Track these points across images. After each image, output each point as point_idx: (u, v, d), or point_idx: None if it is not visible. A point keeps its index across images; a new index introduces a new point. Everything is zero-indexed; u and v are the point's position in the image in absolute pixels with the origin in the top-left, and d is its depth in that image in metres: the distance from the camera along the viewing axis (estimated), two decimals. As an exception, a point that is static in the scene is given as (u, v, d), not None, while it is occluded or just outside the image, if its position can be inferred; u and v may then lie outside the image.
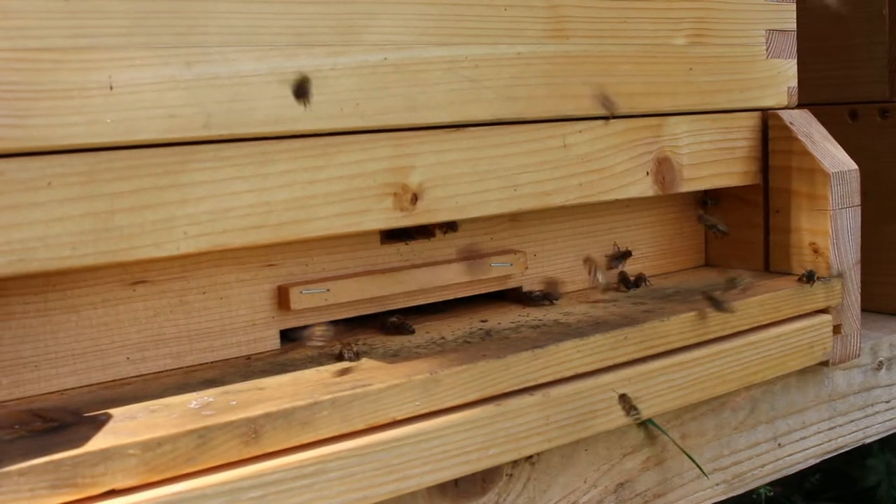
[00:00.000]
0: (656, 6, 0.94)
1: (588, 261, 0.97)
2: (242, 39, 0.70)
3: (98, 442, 0.59)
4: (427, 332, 0.85)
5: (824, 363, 1.01)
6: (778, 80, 1.04)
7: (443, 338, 0.82)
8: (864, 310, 1.05)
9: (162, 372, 0.76)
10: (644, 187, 0.95)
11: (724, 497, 0.99)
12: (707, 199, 1.10)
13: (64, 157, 0.64)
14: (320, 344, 0.79)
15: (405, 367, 0.73)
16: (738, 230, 1.08)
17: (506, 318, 0.89)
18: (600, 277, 0.95)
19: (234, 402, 0.66)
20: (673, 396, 0.86)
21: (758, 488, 1.72)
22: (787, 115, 1.03)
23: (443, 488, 0.77)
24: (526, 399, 0.76)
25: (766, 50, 1.03)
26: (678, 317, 0.87)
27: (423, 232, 0.88)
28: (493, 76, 0.83)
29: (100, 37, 0.65)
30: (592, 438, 0.86)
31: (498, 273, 0.92)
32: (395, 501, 0.71)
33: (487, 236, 0.94)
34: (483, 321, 0.88)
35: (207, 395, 0.69)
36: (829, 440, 1.09)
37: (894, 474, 1.95)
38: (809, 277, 0.96)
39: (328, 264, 0.84)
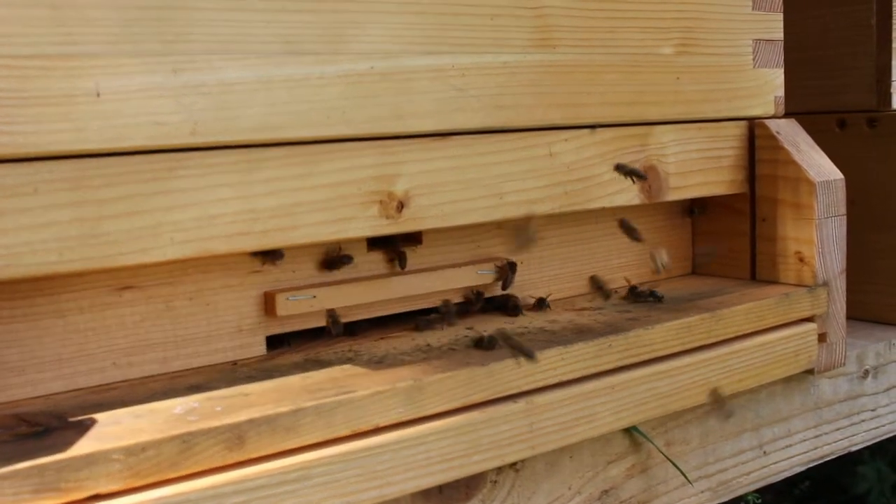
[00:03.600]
0: (644, 16, 0.95)
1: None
2: (229, 47, 0.71)
3: (82, 447, 0.59)
4: (412, 339, 0.85)
5: (809, 371, 1.01)
6: (765, 89, 1.05)
7: (428, 345, 0.83)
8: (850, 318, 1.06)
9: (148, 377, 0.76)
10: (630, 196, 0.95)
11: (709, 504, 1.00)
12: (694, 208, 1.10)
13: (51, 164, 0.64)
14: None
15: (389, 374, 0.74)
16: (724, 239, 1.09)
17: (492, 325, 0.89)
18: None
19: (219, 408, 0.67)
20: (657, 404, 0.87)
21: (746, 495, 1.73)
22: (773, 125, 1.04)
23: (427, 494, 0.77)
24: (510, 406, 0.77)
25: (754, 59, 1.04)
26: (663, 325, 0.87)
27: (409, 239, 0.89)
28: (480, 85, 0.84)
29: (87, 44, 0.65)
30: (577, 445, 0.86)
31: (484, 280, 0.93)
32: (378, 507, 0.71)
33: (474, 243, 0.94)
34: (469, 328, 0.88)
35: (192, 400, 0.69)
36: (815, 448, 1.10)
37: (885, 481, 1.96)
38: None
39: (315, 271, 0.84)
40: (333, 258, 0.84)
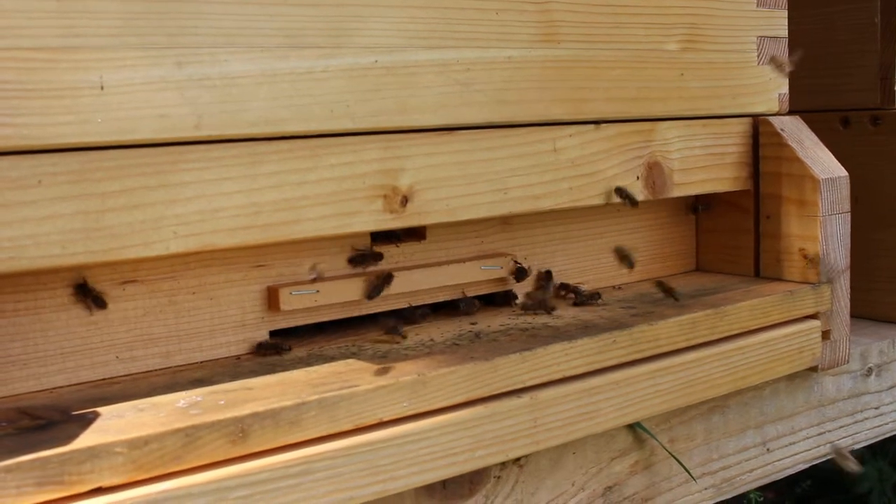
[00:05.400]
0: (648, 12, 0.94)
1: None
2: (233, 41, 0.71)
3: (85, 440, 0.59)
4: (416, 333, 0.85)
5: (813, 369, 1.01)
6: (769, 86, 1.05)
7: (432, 340, 0.83)
8: (854, 316, 1.06)
9: (151, 371, 0.76)
10: (635, 192, 0.95)
11: (712, 502, 0.99)
12: (698, 205, 1.10)
13: (55, 156, 0.64)
14: None
15: (393, 369, 0.73)
16: (728, 235, 1.09)
17: (495, 320, 0.89)
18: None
19: (223, 402, 0.67)
20: (661, 400, 0.87)
21: (748, 493, 1.73)
22: (777, 122, 1.04)
23: (430, 489, 0.77)
24: (514, 401, 0.77)
25: (758, 56, 1.03)
26: (667, 321, 0.87)
27: (412, 234, 0.88)
28: (484, 80, 0.83)
29: (91, 37, 0.65)
30: (581, 441, 0.86)
31: (488, 276, 0.93)
32: (381, 502, 0.71)
33: (478, 239, 0.94)
34: (473, 323, 0.88)
35: (195, 394, 0.69)
36: (818, 446, 1.09)
37: (886, 481, 1.96)
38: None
39: (318, 265, 0.84)
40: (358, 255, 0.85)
